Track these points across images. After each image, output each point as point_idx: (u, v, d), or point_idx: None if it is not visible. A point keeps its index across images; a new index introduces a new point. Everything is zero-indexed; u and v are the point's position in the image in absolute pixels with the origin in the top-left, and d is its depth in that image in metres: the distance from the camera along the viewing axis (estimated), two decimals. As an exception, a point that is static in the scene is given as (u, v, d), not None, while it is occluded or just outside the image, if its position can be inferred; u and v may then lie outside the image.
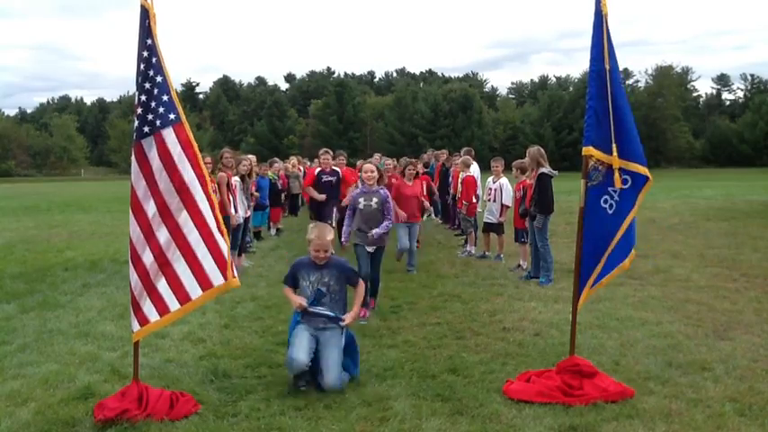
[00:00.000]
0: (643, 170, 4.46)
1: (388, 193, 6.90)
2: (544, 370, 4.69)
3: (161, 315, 4.17)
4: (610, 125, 4.36)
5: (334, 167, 10.76)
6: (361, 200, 6.67)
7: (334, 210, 10.43)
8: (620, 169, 4.39)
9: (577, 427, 3.90)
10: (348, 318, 4.86)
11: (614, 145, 4.35)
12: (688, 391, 4.43)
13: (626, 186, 4.47)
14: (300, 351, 4.53)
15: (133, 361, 4.39)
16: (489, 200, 10.36)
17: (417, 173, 9.50)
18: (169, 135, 4.11)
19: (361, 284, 5.18)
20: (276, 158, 16.16)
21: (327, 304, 4.83)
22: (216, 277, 4.16)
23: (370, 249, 6.68)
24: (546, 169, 8.46)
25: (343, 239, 6.87)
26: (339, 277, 4.90)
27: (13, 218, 18.44)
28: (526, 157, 8.79)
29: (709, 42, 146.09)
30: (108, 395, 4.30)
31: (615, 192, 4.48)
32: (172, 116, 4.13)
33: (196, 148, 4.20)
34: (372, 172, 6.73)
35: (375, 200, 6.65)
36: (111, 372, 4.95)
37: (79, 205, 23.29)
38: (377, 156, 15.25)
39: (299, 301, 4.81)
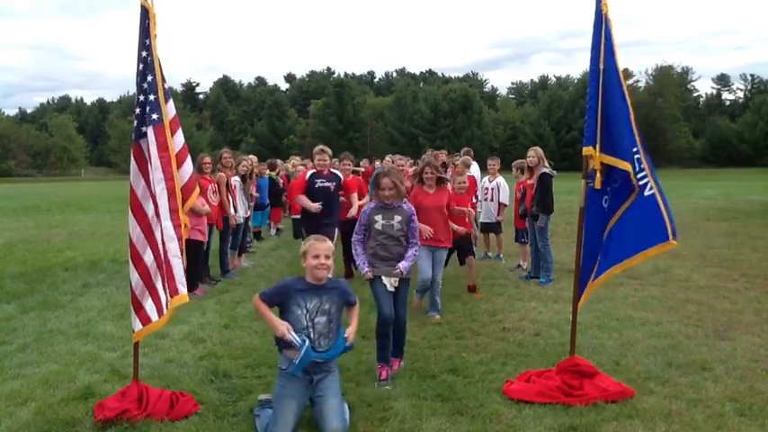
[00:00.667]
0: (624, 165, 4.31)
1: (412, 207, 5.30)
2: (544, 370, 4.70)
3: (159, 315, 4.18)
4: (597, 123, 4.37)
5: (333, 171, 8.07)
6: (378, 217, 5.04)
7: (336, 230, 7.94)
8: (608, 166, 4.39)
9: (577, 427, 3.90)
10: (351, 334, 4.15)
11: (598, 144, 4.36)
12: (688, 391, 4.44)
13: (616, 186, 4.46)
14: (284, 429, 3.77)
15: (133, 361, 4.39)
16: (486, 199, 10.34)
17: (443, 179, 6.68)
18: (151, 135, 4.13)
19: (357, 304, 4.37)
20: (277, 160, 16.16)
21: (325, 335, 4.04)
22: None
23: (390, 285, 4.92)
24: (547, 169, 8.46)
25: (364, 269, 5.00)
26: (339, 304, 4.16)
27: (13, 218, 18.45)
28: (532, 156, 8.70)
29: (710, 42, 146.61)
30: (108, 395, 4.30)
31: (611, 190, 4.49)
32: (155, 116, 4.14)
33: (171, 153, 4.17)
34: (391, 189, 5.05)
35: (398, 218, 5.04)
36: (111, 372, 4.95)
37: (79, 205, 23.30)
38: (388, 159, 13.26)
39: (283, 329, 3.92)
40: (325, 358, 3.99)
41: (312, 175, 7.80)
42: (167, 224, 4.11)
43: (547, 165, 8.55)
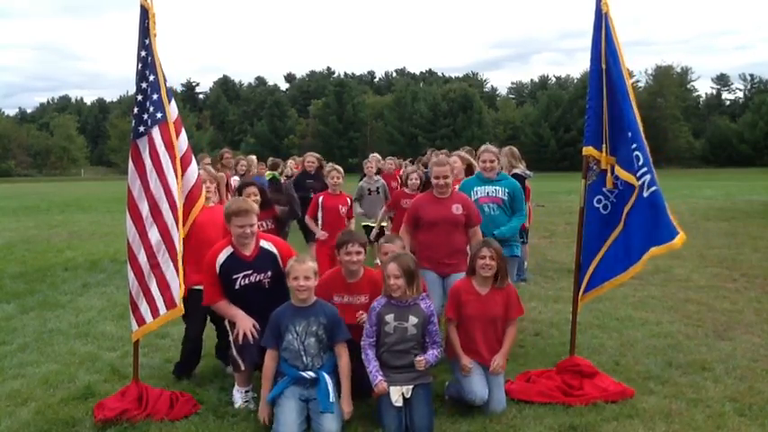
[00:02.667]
0: (629, 178, 4.29)
1: (432, 305, 4.22)
2: (544, 370, 4.70)
3: (153, 317, 4.17)
4: (603, 124, 4.36)
5: (263, 243, 4.34)
6: (390, 317, 4.07)
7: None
8: (612, 169, 4.37)
9: (577, 427, 3.90)
10: (346, 408, 3.94)
11: (604, 144, 4.35)
12: (688, 391, 4.44)
13: (622, 188, 4.43)
14: (285, 427, 3.78)
15: (133, 361, 4.39)
16: None
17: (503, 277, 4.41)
18: (156, 134, 4.12)
19: (347, 355, 4.07)
20: (278, 159, 16.03)
21: (317, 356, 4.04)
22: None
23: (399, 398, 3.95)
24: (519, 170, 8.44)
25: (376, 378, 3.97)
26: (327, 326, 4.03)
27: (13, 218, 18.44)
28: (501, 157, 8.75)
29: (712, 42, 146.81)
30: (108, 395, 4.31)
31: (612, 192, 4.46)
32: (159, 115, 4.13)
33: (176, 150, 4.15)
34: (397, 278, 4.00)
35: (413, 319, 4.06)
36: (111, 372, 4.96)
37: (79, 205, 23.29)
38: (386, 160, 11.07)
39: (266, 412, 3.95)
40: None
41: (228, 259, 4.23)
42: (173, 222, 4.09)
43: (519, 165, 8.51)
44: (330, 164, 8.45)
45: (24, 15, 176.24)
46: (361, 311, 4.32)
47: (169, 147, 4.12)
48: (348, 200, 7.19)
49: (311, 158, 9.37)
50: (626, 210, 4.39)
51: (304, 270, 4.00)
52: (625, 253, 4.47)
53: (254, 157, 12.03)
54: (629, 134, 4.31)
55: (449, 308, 4.38)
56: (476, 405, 4.12)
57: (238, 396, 4.34)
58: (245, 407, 4.24)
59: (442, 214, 5.00)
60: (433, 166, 5.27)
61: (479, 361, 4.29)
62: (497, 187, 5.67)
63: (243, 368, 4.23)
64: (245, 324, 4.15)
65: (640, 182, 4.34)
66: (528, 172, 8.58)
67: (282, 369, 4.05)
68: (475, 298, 4.33)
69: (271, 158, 15.24)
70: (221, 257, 4.22)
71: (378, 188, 8.94)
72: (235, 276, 4.20)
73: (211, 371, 4.94)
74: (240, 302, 4.25)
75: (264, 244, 4.32)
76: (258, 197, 5.30)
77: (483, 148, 6.17)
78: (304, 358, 4.03)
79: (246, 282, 4.23)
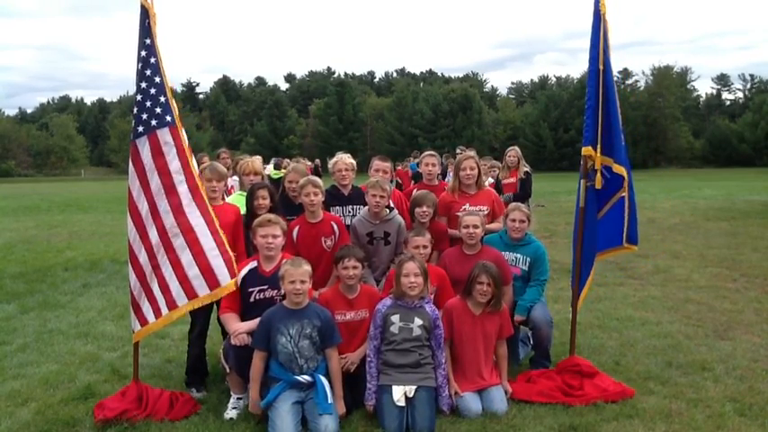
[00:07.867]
0: (619, 169, 4.41)
1: (437, 309, 4.27)
2: (544, 370, 4.70)
3: (156, 317, 4.16)
4: (599, 124, 4.40)
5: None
6: (395, 318, 4.10)
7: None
8: (603, 166, 4.48)
9: (577, 427, 3.90)
10: (339, 410, 3.97)
11: (599, 145, 4.40)
12: (688, 391, 4.44)
13: (609, 187, 4.53)
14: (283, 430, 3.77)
15: (133, 361, 4.40)
16: None
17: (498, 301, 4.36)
18: (164, 136, 4.10)
19: (337, 357, 4.11)
20: (285, 159, 16.00)
21: (312, 358, 4.03)
22: (200, 286, 4.05)
23: (401, 398, 3.95)
24: (528, 168, 8.83)
25: (370, 398, 4.08)
26: (321, 329, 4.03)
27: (13, 218, 18.45)
28: (512, 156, 8.93)
29: (715, 43, 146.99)
30: (108, 395, 4.31)
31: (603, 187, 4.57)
32: (168, 118, 4.12)
33: (188, 153, 4.14)
34: (417, 276, 4.07)
35: (418, 320, 4.10)
36: (111, 372, 4.96)
37: (79, 205, 23.29)
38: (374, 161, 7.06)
39: (256, 408, 3.98)
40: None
41: (249, 273, 4.35)
42: (199, 221, 4.06)
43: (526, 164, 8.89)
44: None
45: (28, 15, 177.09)
46: None
47: (181, 151, 4.10)
48: (335, 226, 4.87)
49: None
50: (610, 202, 4.55)
51: (300, 274, 3.98)
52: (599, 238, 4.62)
53: (258, 158, 11.87)
54: (620, 130, 4.44)
55: (443, 328, 4.28)
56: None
57: (231, 404, 4.27)
58: (234, 413, 4.17)
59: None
60: (463, 216, 4.82)
61: (464, 381, 4.27)
62: (519, 255, 4.93)
63: (228, 371, 4.23)
64: (235, 331, 4.15)
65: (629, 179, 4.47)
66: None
67: (277, 374, 4.03)
68: (469, 318, 4.35)
69: (275, 159, 15.12)
70: (244, 270, 4.33)
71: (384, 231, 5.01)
72: (251, 290, 4.31)
73: (212, 371, 4.93)
74: (253, 316, 4.25)
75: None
76: (267, 200, 4.85)
77: (512, 206, 5.08)
78: (299, 361, 4.02)
79: (261, 296, 4.31)
